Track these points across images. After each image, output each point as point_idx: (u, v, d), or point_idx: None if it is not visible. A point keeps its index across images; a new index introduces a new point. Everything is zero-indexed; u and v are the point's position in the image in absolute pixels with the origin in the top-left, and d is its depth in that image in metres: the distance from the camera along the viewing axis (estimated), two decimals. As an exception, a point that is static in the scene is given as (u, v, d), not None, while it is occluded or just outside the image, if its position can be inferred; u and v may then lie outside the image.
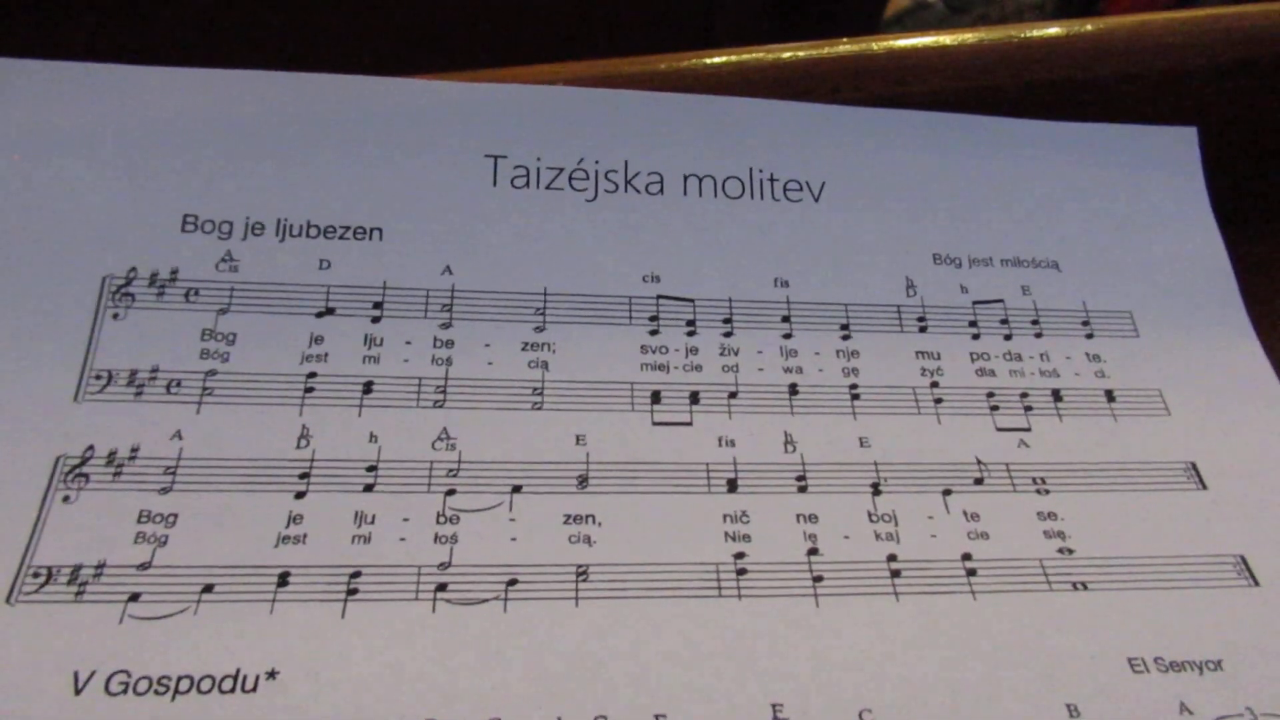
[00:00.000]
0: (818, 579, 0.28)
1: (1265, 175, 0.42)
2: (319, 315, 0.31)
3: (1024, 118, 0.38)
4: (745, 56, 0.38)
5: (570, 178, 0.35)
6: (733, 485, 0.30)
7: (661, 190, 0.35)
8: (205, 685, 0.25)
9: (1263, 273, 0.38)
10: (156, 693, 0.24)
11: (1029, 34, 0.39)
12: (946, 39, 0.39)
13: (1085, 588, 0.29)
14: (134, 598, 0.26)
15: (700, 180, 0.36)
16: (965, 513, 0.30)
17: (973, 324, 0.35)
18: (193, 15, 0.67)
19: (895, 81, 0.38)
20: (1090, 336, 0.35)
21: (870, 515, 0.30)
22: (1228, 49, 0.39)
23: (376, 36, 0.71)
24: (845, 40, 0.38)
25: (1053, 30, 0.39)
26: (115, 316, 0.30)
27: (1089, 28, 0.39)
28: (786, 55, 0.38)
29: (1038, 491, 0.31)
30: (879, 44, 0.39)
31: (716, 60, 0.38)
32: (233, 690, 0.24)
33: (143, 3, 0.65)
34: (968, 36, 0.39)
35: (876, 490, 0.31)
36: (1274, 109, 0.41)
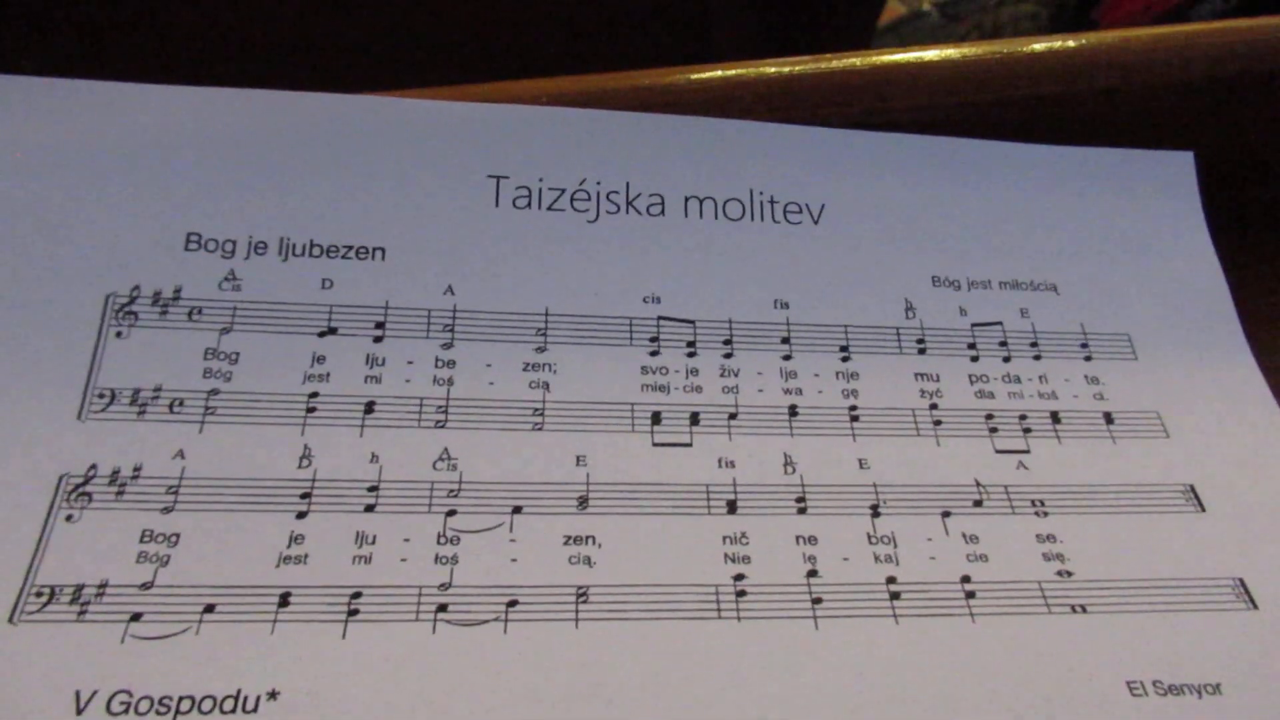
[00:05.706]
0: (817, 601, 0.28)
1: (1252, 191, 0.42)
2: (321, 335, 0.31)
3: (1008, 133, 0.38)
4: (730, 73, 0.38)
5: (572, 198, 0.35)
6: (732, 507, 0.30)
7: (663, 211, 0.35)
8: (206, 705, 0.25)
9: (1248, 286, 0.38)
10: (158, 713, 0.24)
11: (1014, 50, 0.39)
12: (930, 54, 0.39)
13: (1084, 610, 0.29)
14: (136, 617, 0.26)
15: (701, 202, 0.36)
16: (964, 535, 0.30)
17: (972, 346, 0.35)
18: (196, 33, 0.67)
19: (878, 97, 0.38)
20: (1089, 359, 0.35)
21: (869, 537, 0.30)
22: (1212, 64, 0.39)
23: (374, 47, 0.72)
24: (830, 56, 0.39)
25: (1037, 46, 0.39)
26: (119, 335, 0.30)
27: (1072, 44, 0.39)
28: (771, 71, 0.38)
29: (1037, 514, 0.31)
30: (863, 60, 0.39)
31: (701, 76, 0.38)
32: (234, 710, 0.25)
33: (145, 20, 0.65)
34: (951, 52, 0.39)
35: (876, 512, 0.31)
36: (1262, 124, 0.41)
